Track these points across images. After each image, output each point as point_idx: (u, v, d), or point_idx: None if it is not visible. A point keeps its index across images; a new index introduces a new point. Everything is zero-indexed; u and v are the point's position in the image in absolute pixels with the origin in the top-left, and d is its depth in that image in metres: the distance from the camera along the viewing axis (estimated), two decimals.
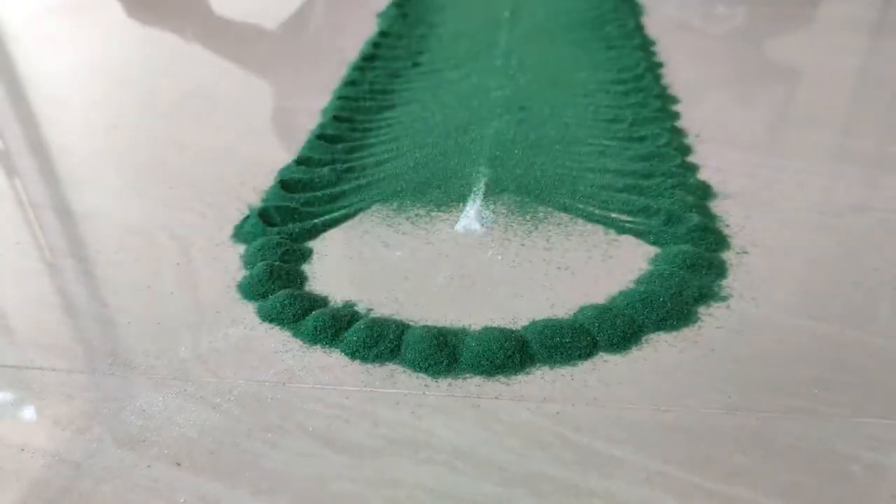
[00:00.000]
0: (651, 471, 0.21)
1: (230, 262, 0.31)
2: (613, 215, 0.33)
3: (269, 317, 0.27)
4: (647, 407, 0.23)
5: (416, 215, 0.34)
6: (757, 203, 0.34)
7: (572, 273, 0.29)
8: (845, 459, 0.21)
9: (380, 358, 0.25)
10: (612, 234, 0.32)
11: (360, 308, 0.28)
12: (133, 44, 0.62)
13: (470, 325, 0.27)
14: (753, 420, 0.22)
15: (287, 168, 0.38)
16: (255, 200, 0.36)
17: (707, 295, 0.28)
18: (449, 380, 0.24)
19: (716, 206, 0.34)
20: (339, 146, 0.40)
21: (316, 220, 0.33)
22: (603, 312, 0.26)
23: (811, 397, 0.23)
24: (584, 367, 0.25)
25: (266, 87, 0.51)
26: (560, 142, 0.40)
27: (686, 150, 0.39)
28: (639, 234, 0.32)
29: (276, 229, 0.32)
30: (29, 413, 0.23)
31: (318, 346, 0.26)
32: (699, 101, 0.46)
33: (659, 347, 0.25)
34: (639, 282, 0.28)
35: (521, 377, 0.24)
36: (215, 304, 0.28)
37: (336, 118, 0.44)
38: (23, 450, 0.22)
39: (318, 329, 0.26)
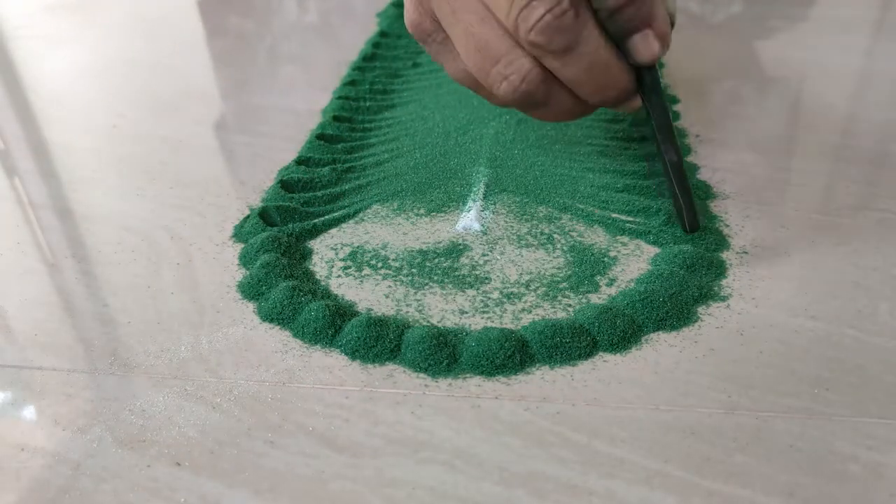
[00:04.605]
0: (651, 470, 0.20)
1: (230, 262, 0.31)
2: (613, 215, 0.33)
3: (269, 317, 0.27)
4: (647, 407, 0.23)
5: (416, 215, 0.34)
6: (757, 203, 0.34)
7: None
8: (845, 459, 0.21)
9: (380, 358, 0.25)
10: (613, 234, 0.32)
11: (360, 308, 0.28)
12: (133, 44, 0.62)
13: (470, 325, 0.27)
14: (753, 420, 0.22)
15: (287, 168, 0.38)
16: (255, 200, 0.36)
17: (707, 295, 0.28)
18: (449, 380, 0.24)
19: (716, 206, 0.34)
20: (339, 146, 0.40)
21: (316, 220, 0.33)
22: (603, 312, 0.26)
23: (811, 397, 0.23)
24: (584, 366, 0.25)
25: (265, 87, 0.51)
26: (560, 142, 0.40)
27: (686, 150, 0.39)
28: (639, 235, 0.32)
29: (275, 229, 0.32)
30: (29, 413, 0.23)
31: (318, 346, 0.26)
32: (699, 101, 0.46)
33: (659, 347, 0.25)
34: (639, 282, 0.28)
35: (521, 377, 0.24)
36: (215, 304, 0.28)
37: (336, 118, 0.44)
38: (23, 450, 0.22)
39: (319, 329, 0.26)
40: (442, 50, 0.28)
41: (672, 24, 0.27)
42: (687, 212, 0.28)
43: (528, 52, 0.24)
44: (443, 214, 0.34)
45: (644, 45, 0.24)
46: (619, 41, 0.25)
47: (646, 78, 0.26)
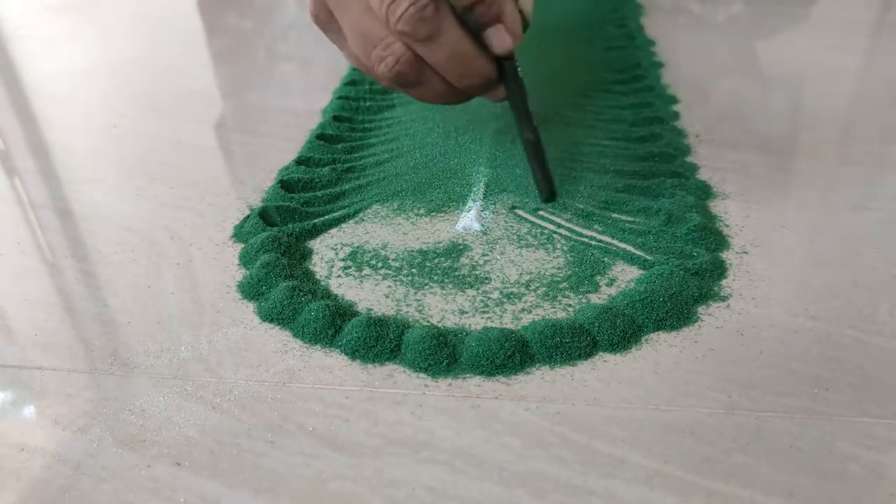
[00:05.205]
0: (651, 470, 0.20)
1: (230, 262, 0.31)
2: (613, 215, 0.33)
3: (269, 317, 0.27)
4: (647, 406, 0.23)
5: (417, 215, 0.34)
6: (757, 203, 0.34)
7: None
8: (845, 459, 0.21)
9: (380, 358, 0.25)
10: (612, 234, 0.32)
11: (360, 308, 0.28)
12: (133, 44, 0.62)
13: (470, 326, 0.27)
14: (753, 420, 0.22)
15: (287, 168, 0.38)
16: (255, 200, 0.36)
17: (707, 295, 0.28)
18: (449, 380, 0.24)
19: (716, 206, 0.34)
20: (339, 146, 0.40)
21: (316, 220, 0.33)
22: (603, 312, 0.26)
23: (811, 397, 0.23)
24: (584, 366, 0.25)
25: (265, 87, 0.51)
26: (560, 142, 0.40)
27: (686, 150, 0.39)
28: (639, 234, 0.32)
29: (275, 229, 0.32)
30: (29, 413, 0.23)
31: (318, 346, 0.26)
32: (699, 101, 0.46)
33: (659, 347, 0.25)
34: (639, 282, 0.28)
35: (521, 377, 0.24)
36: (215, 304, 0.28)
37: (336, 118, 0.44)
38: (23, 450, 0.22)
39: (319, 329, 0.26)
40: (337, 38, 0.32)
41: (527, 24, 0.32)
42: (543, 183, 0.32)
43: (399, 38, 0.28)
44: (443, 214, 0.34)
45: (497, 38, 0.29)
46: (477, 35, 0.29)
47: (505, 68, 0.30)
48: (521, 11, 0.31)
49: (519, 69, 0.31)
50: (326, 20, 0.31)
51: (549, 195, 0.32)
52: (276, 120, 0.45)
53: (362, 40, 0.29)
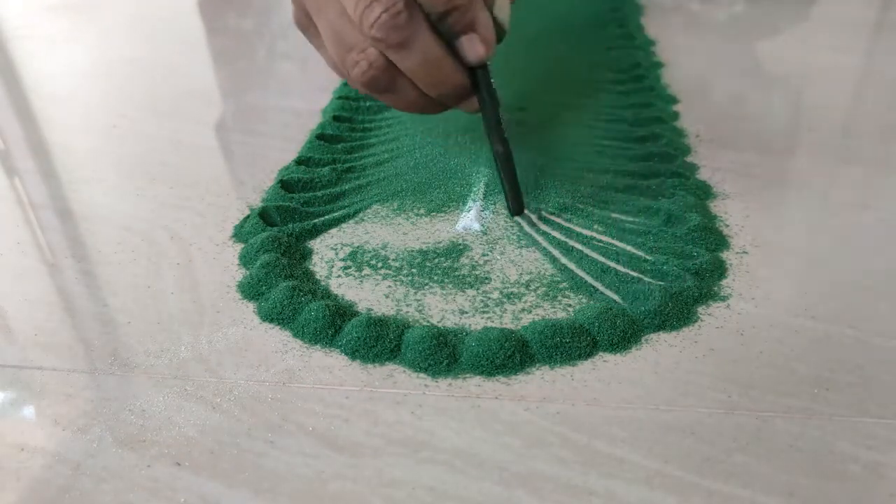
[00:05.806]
0: (651, 470, 0.21)
1: (230, 262, 0.31)
2: (613, 215, 0.33)
3: (269, 317, 0.27)
4: (647, 406, 0.23)
5: (417, 215, 0.34)
6: (757, 203, 0.34)
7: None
8: (845, 459, 0.21)
9: (380, 358, 0.25)
10: (612, 234, 0.32)
11: (360, 308, 0.28)
12: (133, 44, 0.62)
13: (470, 326, 0.27)
14: (753, 420, 0.22)
15: (287, 168, 0.38)
16: (255, 200, 0.36)
17: (707, 295, 0.28)
18: (449, 380, 0.24)
19: (716, 206, 0.34)
20: (339, 146, 0.40)
21: (316, 220, 0.33)
22: (603, 312, 0.26)
23: (811, 397, 0.23)
24: (584, 366, 0.25)
25: (265, 87, 0.51)
26: (560, 143, 0.40)
27: (686, 150, 0.39)
28: (639, 234, 0.32)
29: (275, 229, 0.32)
30: (29, 413, 0.23)
31: (318, 346, 0.26)
32: (699, 101, 0.46)
33: (659, 347, 0.25)
34: (638, 282, 0.28)
35: (521, 377, 0.24)
36: (215, 304, 0.28)
37: (336, 118, 0.44)
38: (23, 450, 0.22)
39: (319, 329, 0.26)
40: (317, 42, 0.32)
41: (503, 33, 0.32)
42: (511, 197, 0.32)
43: (373, 44, 0.28)
44: (443, 214, 0.34)
45: (469, 47, 0.28)
46: (450, 43, 0.28)
47: (479, 77, 0.30)
48: (496, 20, 0.31)
49: (493, 80, 0.30)
50: (306, 24, 0.32)
51: (518, 209, 0.32)
52: (276, 120, 0.45)
53: (337, 44, 0.29)
